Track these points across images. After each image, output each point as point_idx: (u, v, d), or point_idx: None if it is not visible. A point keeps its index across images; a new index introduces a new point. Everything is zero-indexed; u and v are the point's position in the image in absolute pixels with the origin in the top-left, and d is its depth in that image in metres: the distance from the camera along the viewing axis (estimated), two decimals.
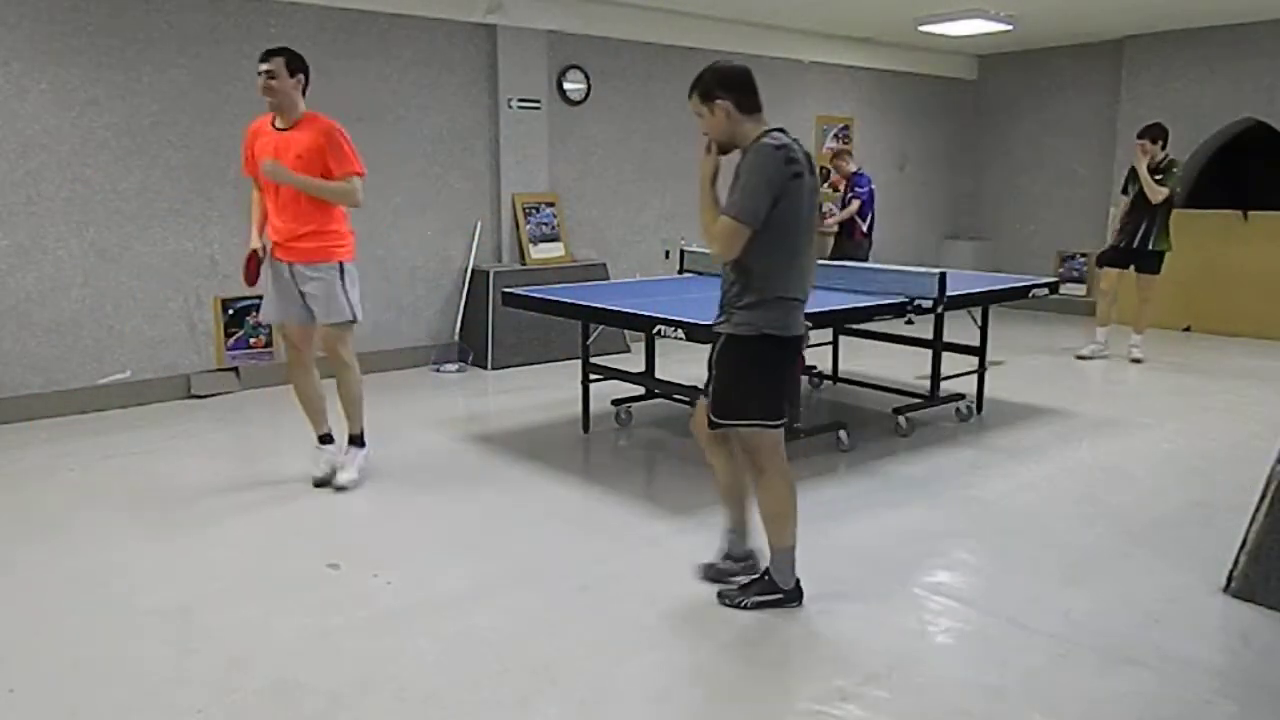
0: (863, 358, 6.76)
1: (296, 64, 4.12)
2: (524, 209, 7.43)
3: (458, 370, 7.06)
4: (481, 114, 7.24)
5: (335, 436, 4.53)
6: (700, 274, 6.33)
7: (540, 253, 7.44)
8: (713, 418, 3.08)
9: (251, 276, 4.38)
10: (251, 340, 6.39)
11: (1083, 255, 9.89)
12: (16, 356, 5.57)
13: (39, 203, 5.56)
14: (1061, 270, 10.01)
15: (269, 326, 6.11)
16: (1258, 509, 3.24)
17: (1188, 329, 8.73)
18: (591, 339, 5.35)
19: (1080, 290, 9.87)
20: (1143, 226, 7.26)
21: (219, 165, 6.06)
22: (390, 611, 3.19)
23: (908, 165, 10.47)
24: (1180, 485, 4.50)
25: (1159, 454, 5.02)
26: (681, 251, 6.53)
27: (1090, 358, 7.55)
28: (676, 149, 8.20)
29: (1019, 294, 5.75)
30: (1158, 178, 7.11)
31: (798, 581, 3.18)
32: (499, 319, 7.00)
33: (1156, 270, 7.31)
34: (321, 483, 4.38)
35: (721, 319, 3.04)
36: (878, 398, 5.86)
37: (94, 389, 5.82)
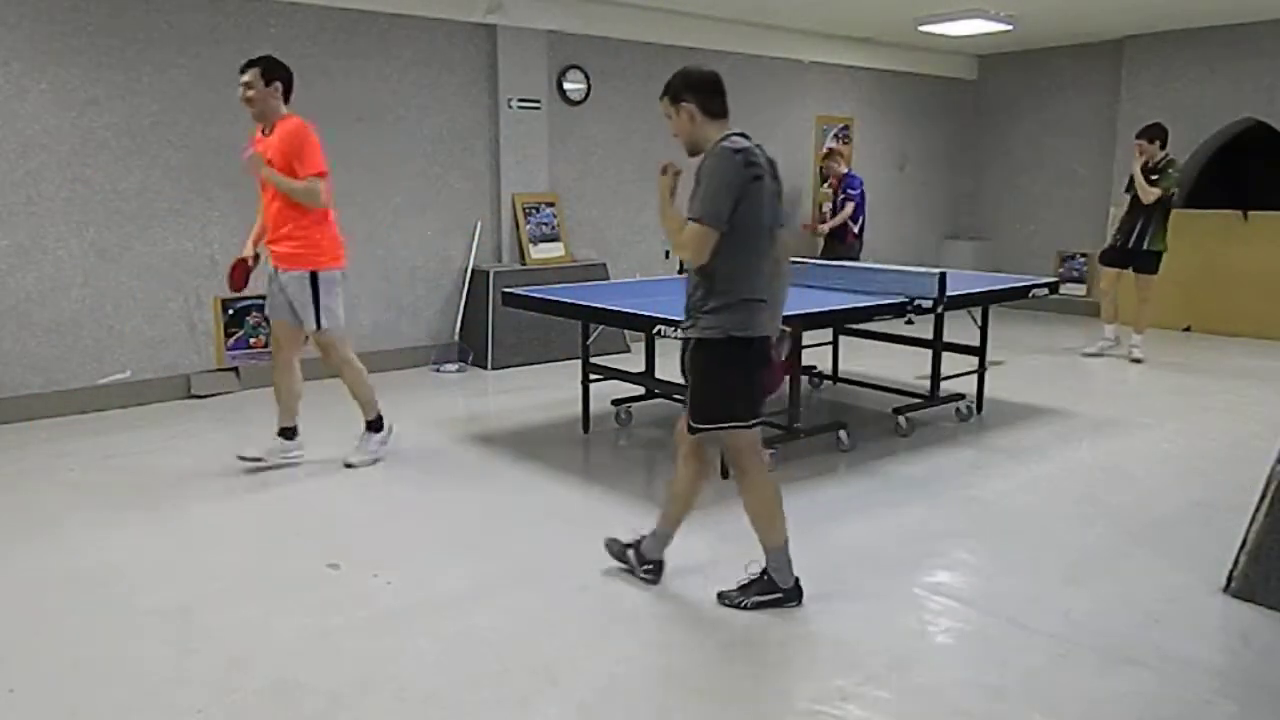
0: (863, 358, 6.76)
1: (273, 71, 4.26)
2: (524, 209, 7.43)
3: (458, 370, 7.06)
4: (481, 114, 7.24)
5: (298, 434, 4.70)
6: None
7: (540, 253, 7.44)
8: (691, 424, 3.10)
9: (236, 283, 4.56)
10: (251, 340, 6.39)
11: (1083, 255, 9.89)
12: (16, 356, 5.57)
13: (39, 203, 5.56)
14: (1061, 270, 10.01)
15: (269, 326, 6.19)
16: (1258, 509, 3.25)
17: (1188, 329, 8.73)
18: (591, 339, 5.35)
19: (1080, 290, 9.87)
20: (1138, 226, 7.29)
21: (219, 165, 6.06)
22: (390, 611, 3.19)
23: (908, 165, 10.47)
24: (1180, 485, 4.50)
25: (1159, 454, 5.02)
26: None
27: (1099, 355, 7.57)
28: (677, 149, 8.17)
29: (1019, 294, 5.75)
30: (1154, 178, 7.12)
31: (797, 580, 3.19)
32: (499, 319, 7.00)
33: (1154, 270, 7.31)
34: (248, 459, 4.59)
35: (688, 324, 3.06)
36: (878, 398, 5.86)
37: (94, 389, 5.82)
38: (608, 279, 7.34)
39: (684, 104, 3.02)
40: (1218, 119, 8.75)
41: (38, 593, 3.35)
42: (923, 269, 5.30)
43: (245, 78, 4.24)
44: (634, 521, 3.94)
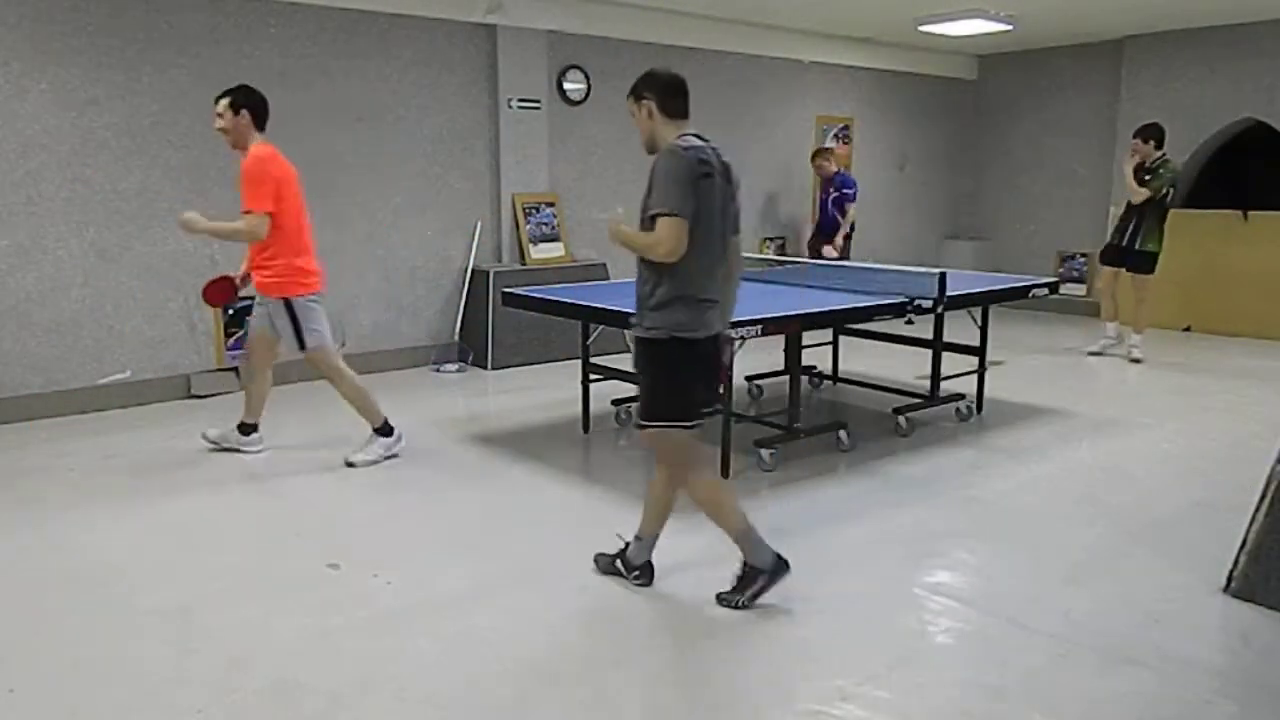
0: (863, 358, 6.76)
1: (241, 100, 4.40)
2: (524, 209, 7.43)
3: (458, 370, 7.06)
4: (481, 114, 7.24)
5: (258, 430, 4.87)
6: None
7: (540, 253, 7.44)
8: (638, 421, 3.17)
9: (210, 296, 4.75)
10: None
11: (1083, 255, 9.89)
12: (16, 356, 5.57)
13: (39, 203, 5.57)
14: (1061, 270, 10.01)
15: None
16: (1258, 509, 3.25)
17: (1188, 329, 8.73)
18: (591, 339, 5.35)
19: (1080, 290, 9.87)
20: (1131, 226, 7.31)
21: (219, 165, 6.05)
22: (390, 611, 3.19)
23: (907, 165, 10.47)
24: (1180, 485, 4.50)
25: (1159, 454, 5.02)
26: None
27: (1101, 353, 7.58)
28: None
29: (1019, 294, 5.75)
30: (1147, 178, 7.13)
31: (777, 555, 3.17)
32: (499, 319, 7.00)
33: (1149, 270, 7.32)
34: (209, 439, 4.86)
35: (635, 321, 3.10)
36: (878, 398, 5.86)
37: (94, 389, 5.82)
38: (608, 279, 7.33)
39: (644, 101, 3.09)
40: (1218, 119, 8.75)
41: (38, 593, 3.35)
42: (923, 269, 5.30)
43: (217, 109, 4.42)
44: (634, 521, 3.95)
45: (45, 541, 3.81)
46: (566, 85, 7.62)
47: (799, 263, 6.99)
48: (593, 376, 5.34)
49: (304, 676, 2.75)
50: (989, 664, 2.84)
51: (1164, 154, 7.21)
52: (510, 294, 5.35)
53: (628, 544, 3.38)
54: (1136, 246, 7.29)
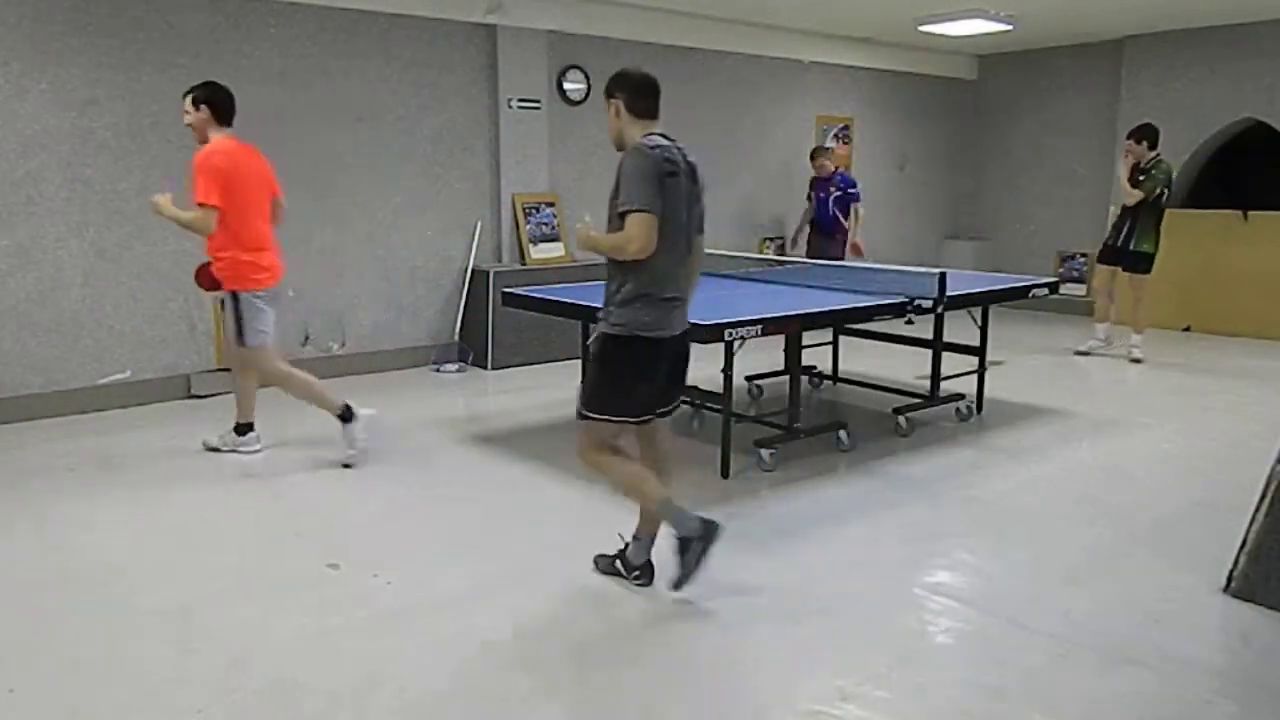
0: (863, 358, 6.76)
1: (202, 95, 4.48)
2: (524, 209, 7.43)
3: (458, 370, 7.06)
4: (481, 114, 7.24)
5: (253, 429, 4.87)
6: (700, 274, 6.32)
7: (540, 253, 7.44)
8: (580, 410, 3.19)
9: (202, 281, 4.83)
10: None
11: (1083, 255, 9.89)
12: (16, 356, 5.57)
13: (39, 203, 5.56)
14: (1061, 270, 10.01)
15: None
16: (1258, 509, 3.25)
17: (1188, 329, 8.73)
18: (591, 339, 5.34)
19: (1080, 290, 9.86)
20: (1127, 226, 7.31)
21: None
22: (390, 611, 3.19)
23: (908, 165, 10.47)
24: (1180, 485, 4.50)
25: (1159, 454, 5.02)
26: None
27: (1088, 353, 7.58)
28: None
29: (1019, 294, 5.75)
30: (1140, 178, 7.14)
31: (700, 519, 3.13)
32: (499, 319, 7.00)
33: (1145, 270, 7.33)
34: (211, 447, 4.89)
35: (601, 315, 3.14)
36: (878, 398, 5.86)
37: (94, 389, 5.82)
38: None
39: (613, 99, 3.16)
40: (1218, 119, 8.75)
41: (38, 593, 3.35)
42: (923, 269, 5.30)
43: (184, 105, 4.51)
44: (633, 521, 3.95)
45: (45, 541, 3.81)
46: (566, 85, 7.62)
47: (799, 263, 6.99)
48: None
49: (304, 676, 2.75)
50: (989, 664, 2.84)
51: (1158, 154, 7.21)
52: (510, 294, 5.35)
53: (627, 544, 3.38)
54: (1131, 247, 7.30)
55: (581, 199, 7.87)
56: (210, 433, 5.01)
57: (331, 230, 6.65)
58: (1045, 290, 5.82)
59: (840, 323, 5.58)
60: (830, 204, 8.22)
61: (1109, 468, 4.79)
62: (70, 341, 5.74)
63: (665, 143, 3.06)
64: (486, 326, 7.07)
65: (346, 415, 4.67)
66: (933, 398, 5.53)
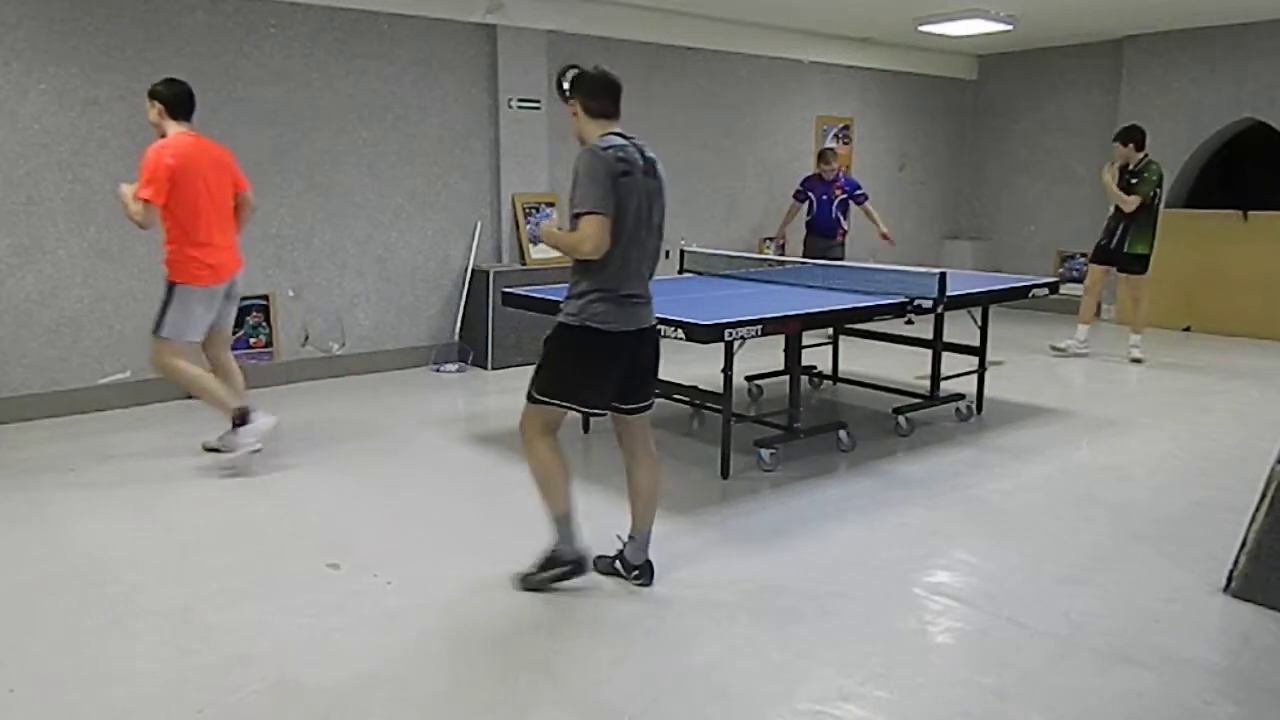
0: (863, 358, 6.76)
1: (155, 94, 4.52)
2: (524, 209, 7.43)
3: (458, 370, 7.06)
4: (481, 114, 7.25)
5: (246, 420, 4.69)
6: (700, 274, 6.34)
7: (540, 253, 7.44)
8: (531, 393, 3.23)
9: None
10: (251, 340, 6.39)
11: (1082, 255, 9.86)
12: (16, 356, 5.57)
13: (39, 203, 5.57)
14: (1061, 270, 10.01)
15: (269, 327, 6.51)
16: (1258, 509, 3.25)
17: (1188, 329, 8.74)
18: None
19: (1080, 290, 9.84)
20: (1120, 228, 7.30)
21: None
22: (390, 611, 3.19)
23: (907, 165, 10.47)
24: (1180, 485, 4.50)
25: (1159, 454, 5.02)
26: (681, 251, 6.54)
27: (1064, 351, 7.57)
28: (676, 149, 8.20)
29: (1019, 294, 5.75)
30: (1133, 181, 7.14)
31: (580, 552, 3.26)
32: (499, 319, 7.00)
33: (1140, 270, 7.32)
34: (211, 448, 4.89)
35: (561, 308, 3.21)
36: (878, 398, 5.86)
37: (94, 389, 5.82)
38: None
39: (572, 100, 3.18)
40: (1218, 119, 8.74)
41: (38, 593, 3.35)
42: (923, 269, 5.30)
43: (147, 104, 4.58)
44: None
45: (45, 541, 3.81)
46: (566, 85, 7.62)
47: (798, 263, 6.99)
48: None
49: (304, 676, 2.75)
50: (989, 664, 2.84)
51: (1146, 155, 7.20)
52: (510, 294, 5.34)
53: (625, 544, 3.38)
54: (1125, 249, 7.29)
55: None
56: (210, 433, 5.00)
57: (331, 230, 6.65)
58: (1045, 290, 5.82)
59: (840, 323, 5.58)
60: (833, 206, 8.22)
61: (1109, 468, 4.79)
62: (70, 341, 5.74)
63: (620, 141, 3.05)
64: (486, 326, 7.07)
65: (241, 420, 4.64)
66: (933, 398, 5.54)
